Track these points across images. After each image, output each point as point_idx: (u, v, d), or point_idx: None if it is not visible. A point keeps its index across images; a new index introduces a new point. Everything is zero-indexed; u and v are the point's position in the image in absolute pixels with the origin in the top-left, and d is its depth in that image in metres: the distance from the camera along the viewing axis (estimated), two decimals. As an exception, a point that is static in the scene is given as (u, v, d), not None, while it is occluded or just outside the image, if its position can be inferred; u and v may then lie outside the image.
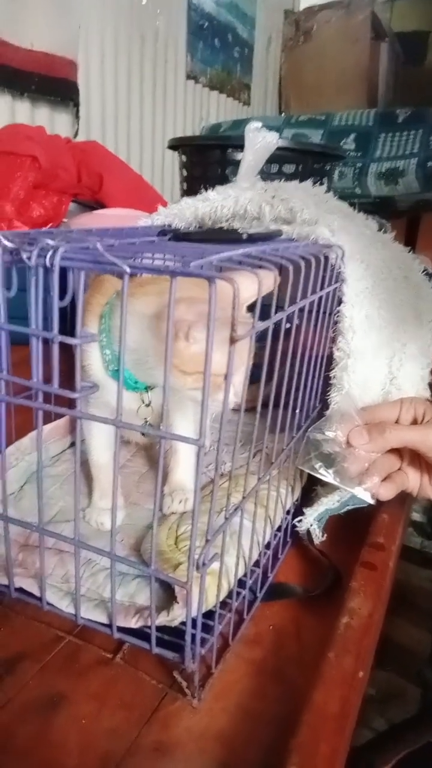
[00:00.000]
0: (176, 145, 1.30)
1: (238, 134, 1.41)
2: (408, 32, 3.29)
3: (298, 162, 1.20)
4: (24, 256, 0.35)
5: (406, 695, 0.93)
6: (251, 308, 0.44)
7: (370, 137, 2.01)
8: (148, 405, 0.52)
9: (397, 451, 0.53)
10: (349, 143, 2.02)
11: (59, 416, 0.68)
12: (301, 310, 0.47)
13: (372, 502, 0.51)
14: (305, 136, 2.08)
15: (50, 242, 0.35)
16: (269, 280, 0.38)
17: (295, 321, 0.45)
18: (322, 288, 0.49)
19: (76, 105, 1.80)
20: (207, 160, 1.26)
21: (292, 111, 2.99)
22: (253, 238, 0.48)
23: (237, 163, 0.97)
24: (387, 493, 0.51)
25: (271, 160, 0.89)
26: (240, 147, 1.04)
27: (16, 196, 1.09)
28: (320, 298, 0.50)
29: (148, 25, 2.12)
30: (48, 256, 0.35)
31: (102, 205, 1.22)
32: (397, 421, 0.52)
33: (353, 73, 2.88)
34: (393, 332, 0.58)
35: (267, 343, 0.39)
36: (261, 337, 0.38)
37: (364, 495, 0.50)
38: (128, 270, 0.32)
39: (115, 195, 1.22)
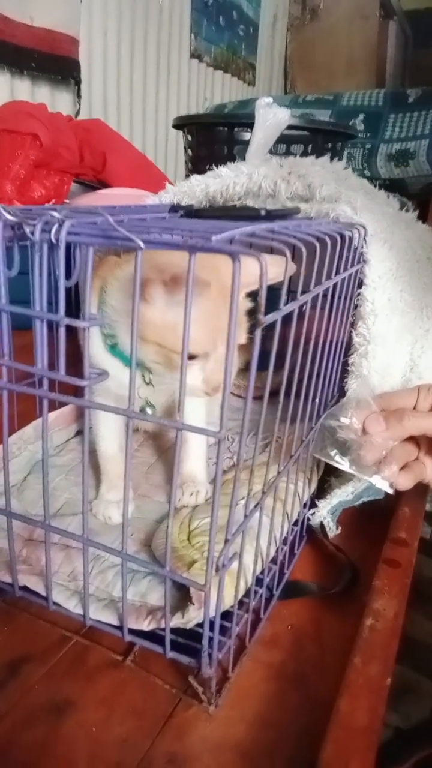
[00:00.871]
0: (182, 123, 1.26)
1: (246, 113, 1.37)
2: (418, 10, 3.20)
3: (307, 142, 1.16)
4: (27, 230, 0.32)
5: (421, 690, 0.90)
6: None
7: (380, 118, 1.95)
8: (148, 383, 0.49)
9: (414, 440, 0.50)
10: (358, 124, 1.96)
11: (64, 404, 0.65)
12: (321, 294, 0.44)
13: (390, 491, 0.48)
14: (313, 117, 2.03)
15: (55, 215, 0.32)
16: (278, 266, 0.35)
17: (308, 305, 0.42)
18: (345, 269, 0.46)
19: (78, 83, 1.75)
20: (213, 139, 1.22)
21: (298, 91, 2.92)
22: (271, 215, 0.45)
23: (245, 143, 0.93)
24: (405, 482, 0.48)
25: (278, 140, 0.85)
26: (248, 126, 1.00)
27: (17, 175, 1.05)
28: (340, 287, 0.47)
29: (152, 2, 2.06)
30: (53, 231, 0.32)
31: (105, 185, 1.18)
32: (414, 408, 0.49)
33: (361, 52, 2.82)
34: (416, 317, 0.55)
35: (277, 328, 0.36)
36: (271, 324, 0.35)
37: (382, 484, 0.48)
38: (142, 245, 0.29)
39: (119, 174, 1.18)
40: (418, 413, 0.48)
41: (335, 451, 0.49)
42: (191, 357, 0.42)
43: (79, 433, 0.65)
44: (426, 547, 1.29)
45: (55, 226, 0.31)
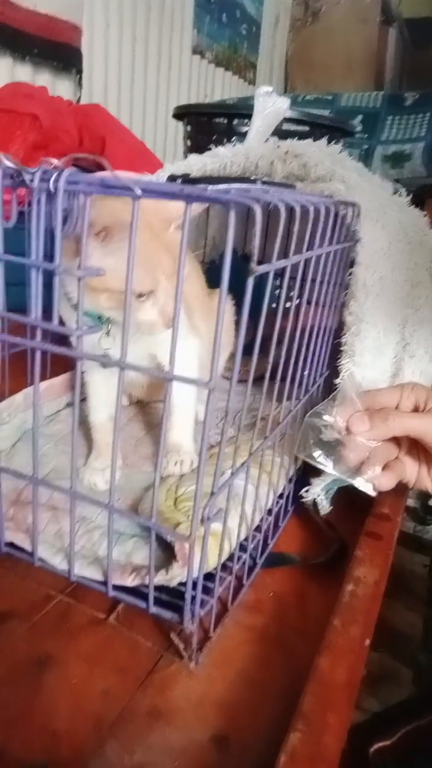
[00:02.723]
0: (182, 113, 1.26)
1: (245, 104, 1.37)
2: (417, 18, 3.23)
3: (305, 138, 1.17)
4: (26, 177, 0.33)
5: (399, 677, 0.92)
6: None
7: (378, 119, 1.98)
8: (107, 334, 0.48)
9: (395, 439, 0.50)
10: (356, 125, 1.98)
11: (53, 376, 0.65)
12: (312, 279, 0.45)
13: (373, 493, 0.48)
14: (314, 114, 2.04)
15: (55, 162, 0.32)
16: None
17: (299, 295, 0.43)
18: (337, 243, 0.47)
19: (79, 72, 1.75)
20: (213, 130, 1.22)
21: (298, 91, 2.93)
22: (267, 184, 0.45)
23: (244, 135, 0.94)
24: (387, 482, 0.48)
25: (277, 135, 0.86)
26: (247, 117, 1.01)
27: (15, 155, 1.05)
28: (331, 262, 0.48)
29: (155, -5, 2.06)
30: (52, 179, 0.32)
31: (103, 170, 1.18)
32: (396, 407, 0.49)
33: (361, 55, 2.84)
34: (407, 296, 0.55)
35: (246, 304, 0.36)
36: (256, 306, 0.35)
37: (365, 486, 0.48)
38: (139, 192, 0.30)
39: (117, 159, 1.18)
40: (402, 413, 0.48)
41: (319, 451, 0.49)
42: (140, 296, 0.44)
43: (69, 405, 0.65)
44: (409, 541, 1.31)
45: (54, 175, 0.32)
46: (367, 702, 0.84)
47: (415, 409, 0.49)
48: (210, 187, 0.29)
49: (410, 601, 1.05)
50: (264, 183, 0.45)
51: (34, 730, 0.33)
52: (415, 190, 2.00)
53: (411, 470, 0.50)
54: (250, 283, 0.29)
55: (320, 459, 0.48)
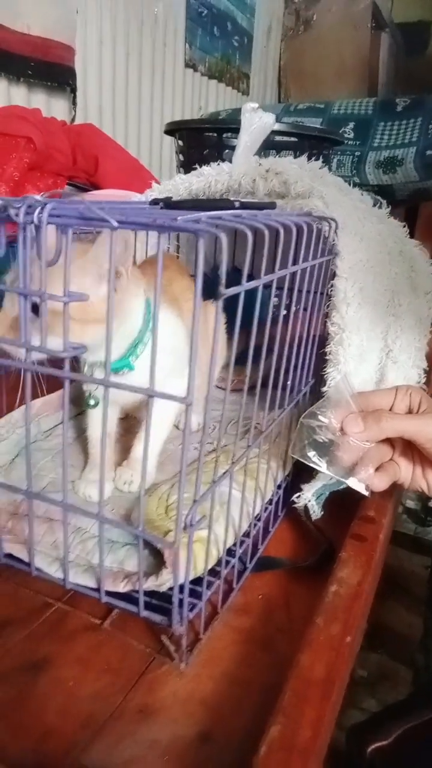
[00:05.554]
0: (173, 129, 1.29)
1: (234, 118, 1.40)
2: (409, 23, 3.27)
3: (295, 149, 1.19)
4: (11, 212, 0.35)
5: (398, 677, 0.93)
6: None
7: (369, 126, 2.00)
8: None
9: (389, 441, 0.51)
10: (348, 132, 2.01)
11: (52, 391, 0.67)
12: (290, 288, 0.47)
13: (366, 493, 0.50)
14: (303, 124, 2.07)
15: (38, 198, 0.34)
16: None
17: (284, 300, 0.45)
18: (314, 258, 0.49)
19: (73, 91, 1.78)
20: (204, 144, 1.25)
21: (292, 100, 2.97)
22: (245, 206, 0.47)
23: (234, 148, 0.96)
24: (381, 483, 0.50)
25: (268, 147, 0.88)
26: (236, 131, 1.04)
27: (11, 177, 1.08)
28: (311, 275, 0.50)
29: (147, 11, 2.10)
30: (36, 213, 0.34)
31: (97, 188, 1.21)
32: (390, 409, 0.51)
33: (354, 62, 2.87)
34: (388, 305, 0.58)
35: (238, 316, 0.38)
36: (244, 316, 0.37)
37: (358, 486, 0.49)
38: (116, 224, 0.32)
39: (110, 177, 1.21)
40: (395, 415, 0.49)
41: (313, 452, 0.50)
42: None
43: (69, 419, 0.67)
44: (409, 542, 1.33)
45: (38, 209, 0.34)
46: (367, 702, 0.85)
47: (409, 411, 0.51)
48: (180, 217, 0.31)
49: (409, 602, 1.06)
50: (242, 204, 0.48)
51: (24, 726, 0.35)
52: (409, 194, 2.02)
53: (405, 471, 0.52)
54: (220, 304, 0.31)
55: (314, 459, 0.49)
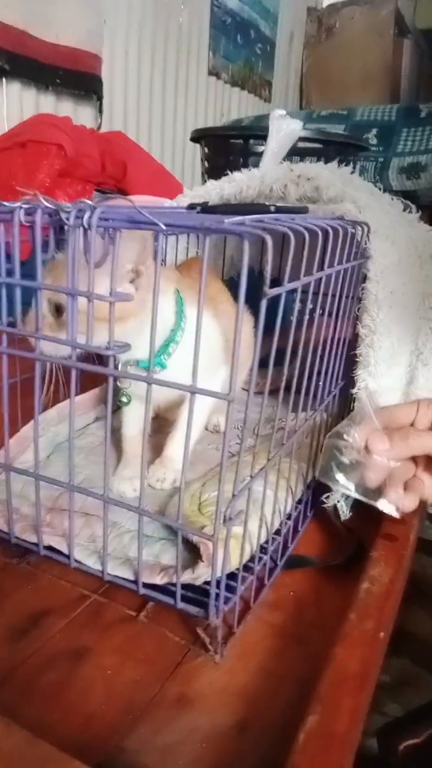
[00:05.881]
0: (199, 136, 1.31)
1: (260, 125, 1.42)
2: (432, 29, 3.26)
3: (320, 155, 1.20)
4: (63, 216, 0.36)
5: (420, 683, 0.93)
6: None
7: (393, 132, 2.00)
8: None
9: (412, 457, 0.49)
10: (371, 138, 2.01)
11: (82, 392, 0.69)
12: (325, 293, 0.48)
13: (397, 515, 0.48)
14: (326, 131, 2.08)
15: (88, 202, 0.36)
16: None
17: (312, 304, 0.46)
18: (348, 261, 0.50)
19: (100, 99, 1.82)
20: (229, 151, 1.27)
21: (314, 107, 2.98)
22: (280, 210, 0.48)
23: (259, 155, 0.98)
24: (410, 503, 0.48)
25: (292, 153, 0.89)
26: (263, 138, 1.05)
27: (42, 183, 1.11)
28: (343, 278, 0.51)
29: (172, 21, 2.14)
30: (86, 217, 0.36)
31: (125, 194, 1.24)
32: (412, 424, 0.48)
33: (376, 69, 2.88)
34: (419, 307, 0.58)
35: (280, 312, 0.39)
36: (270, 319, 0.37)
37: (389, 508, 0.48)
38: (164, 227, 0.33)
39: (138, 183, 1.23)
40: (422, 432, 0.47)
41: (341, 474, 0.48)
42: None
43: (98, 419, 0.69)
44: (430, 547, 1.31)
45: (87, 213, 0.36)
46: (389, 707, 0.85)
47: None
48: (227, 220, 0.33)
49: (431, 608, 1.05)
50: (277, 209, 0.49)
51: (70, 710, 0.36)
52: (432, 200, 2.02)
53: (429, 487, 0.50)
54: (263, 304, 0.32)
55: (342, 482, 0.48)
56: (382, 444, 0.46)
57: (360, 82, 2.89)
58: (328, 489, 0.57)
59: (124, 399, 0.56)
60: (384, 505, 0.48)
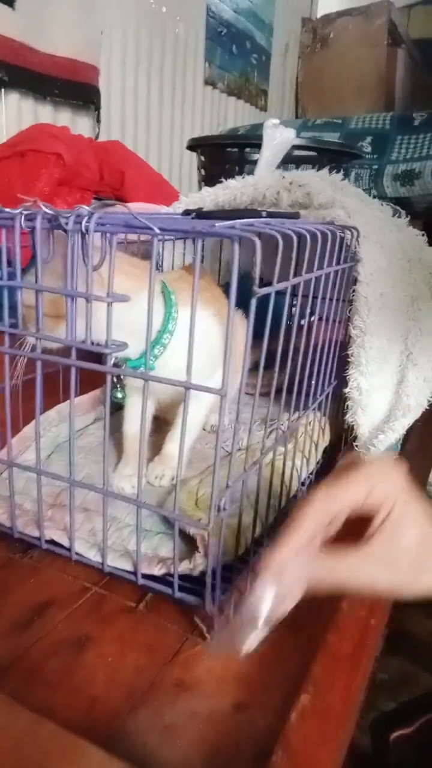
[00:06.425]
0: (195, 145, 1.34)
1: (254, 134, 1.44)
2: (426, 39, 3.31)
3: (314, 163, 1.23)
4: (62, 221, 0.38)
5: (418, 682, 0.94)
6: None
7: (387, 140, 2.03)
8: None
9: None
10: (365, 146, 2.04)
11: (81, 394, 0.71)
12: (315, 296, 0.49)
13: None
14: (321, 139, 2.11)
15: (86, 208, 0.38)
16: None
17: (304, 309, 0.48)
18: (337, 264, 0.52)
19: (98, 109, 1.84)
20: (225, 159, 1.29)
21: (309, 116, 3.02)
22: (272, 215, 0.50)
23: (255, 163, 1.00)
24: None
25: (286, 161, 0.92)
26: (258, 146, 1.07)
27: (41, 192, 1.13)
28: (333, 281, 0.53)
29: (168, 32, 2.17)
30: (83, 222, 0.38)
31: (123, 202, 1.26)
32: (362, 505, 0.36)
33: (370, 78, 2.92)
34: (408, 309, 0.60)
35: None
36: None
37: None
38: (158, 231, 0.35)
39: (135, 191, 1.25)
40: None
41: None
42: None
43: (97, 420, 0.71)
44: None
45: (85, 218, 0.37)
46: (387, 705, 0.86)
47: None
48: (217, 224, 0.34)
49: (430, 610, 1.07)
50: (269, 214, 0.51)
51: (74, 695, 0.38)
52: (427, 207, 2.04)
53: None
54: (254, 302, 0.34)
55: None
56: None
57: (354, 91, 2.93)
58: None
59: (119, 395, 0.58)
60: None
